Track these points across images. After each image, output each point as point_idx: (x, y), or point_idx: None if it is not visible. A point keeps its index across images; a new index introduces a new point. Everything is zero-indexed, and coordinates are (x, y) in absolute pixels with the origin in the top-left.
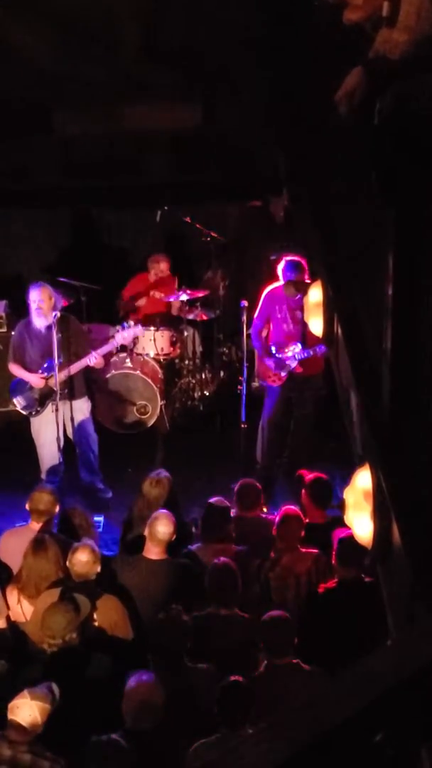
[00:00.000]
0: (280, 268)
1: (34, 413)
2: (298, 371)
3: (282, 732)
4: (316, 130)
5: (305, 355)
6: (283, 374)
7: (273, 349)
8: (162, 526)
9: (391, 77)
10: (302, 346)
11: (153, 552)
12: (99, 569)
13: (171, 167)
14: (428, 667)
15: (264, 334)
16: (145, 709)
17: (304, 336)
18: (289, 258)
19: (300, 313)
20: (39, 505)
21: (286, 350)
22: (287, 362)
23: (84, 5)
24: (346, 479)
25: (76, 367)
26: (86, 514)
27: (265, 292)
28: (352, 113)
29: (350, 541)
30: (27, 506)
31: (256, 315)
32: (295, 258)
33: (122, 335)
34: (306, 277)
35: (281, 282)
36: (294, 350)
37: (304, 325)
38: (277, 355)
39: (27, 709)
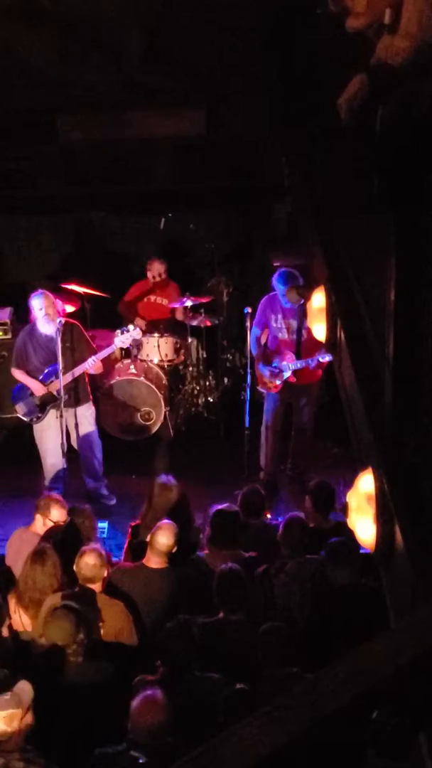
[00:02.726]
0: (273, 278)
1: (35, 420)
2: (291, 381)
3: (283, 715)
4: (319, 136)
5: (299, 365)
6: (278, 383)
7: (269, 357)
8: (163, 538)
9: (392, 84)
10: (296, 357)
11: (153, 561)
12: (106, 573)
13: (175, 174)
14: (427, 653)
15: (263, 340)
16: (152, 729)
17: (298, 345)
18: (282, 269)
19: (295, 322)
20: (44, 509)
21: (281, 361)
22: (282, 372)
23: (87, 12)
24: (349, 483)
25: (76, 373)
26: (93, 516)
27: (261, 300)
28: (352, 118)
29: (339, 543)
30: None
31: (254, 322)
32: (287, 268)
33: (121, 339)
34: (300, 283)
35: (281, 289)
36: (288, 361)
37: (299, 334)
38: (272, 364)
39: None
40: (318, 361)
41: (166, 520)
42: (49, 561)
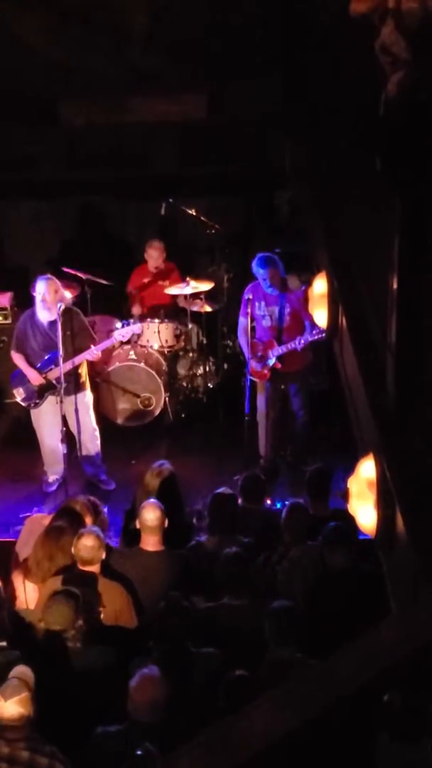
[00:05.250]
0: (252, 263)
1: (33, 405)
2: (277, 367)
3: (295, 699)
4: (323, 120)
5: (281, 351)
6: (265, 371)
7: (255, 347)
8: (150, 514)
9: (396, 67)
10: (278, 343)
11: (149, 543)
12: (104, 555)
13: (176, 159)
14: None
15: (249, 328)
16: (151, 706)
17: (279, 332)
18: (260, 254)
19: (277, 308)
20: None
21: (265, 349)
22: (267, 360)
23: None
24: (350, 470)
25: (76, 362)
26: (89, 503)
27: (245, 289)
28: (368, 12)
29: (334, 528)
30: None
31: (240, 312)
32: (265, 253)
33: (121, 332)
34: (280, 270)
35: (261, 273)
36: (271, 348)
37: (281, 320)
38: (258, 353)
39: (8, 709)
40: (297, 343)
41: (149, 500)
42: (65, 536)
